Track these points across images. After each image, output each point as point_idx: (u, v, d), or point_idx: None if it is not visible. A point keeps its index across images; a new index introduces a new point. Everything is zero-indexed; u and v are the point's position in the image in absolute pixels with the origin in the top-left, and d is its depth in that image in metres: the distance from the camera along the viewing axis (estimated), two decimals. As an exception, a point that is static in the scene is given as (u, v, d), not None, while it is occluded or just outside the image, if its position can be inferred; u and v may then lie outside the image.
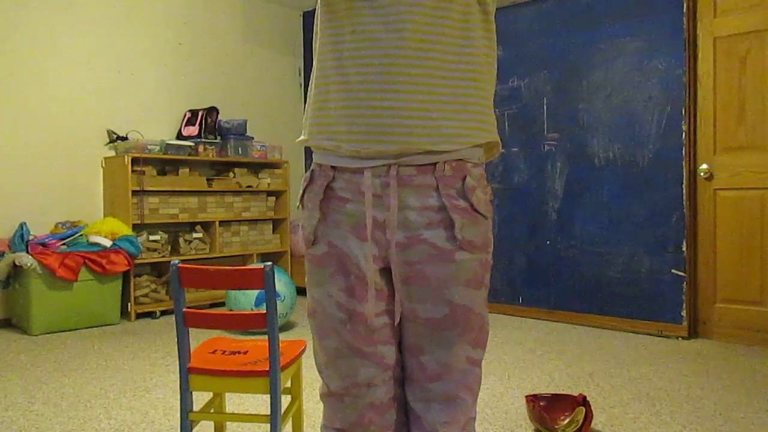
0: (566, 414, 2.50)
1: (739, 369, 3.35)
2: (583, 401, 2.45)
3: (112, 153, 4.83)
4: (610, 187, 4.36)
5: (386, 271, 1.16)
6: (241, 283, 1.94)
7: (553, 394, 2.59)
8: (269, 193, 5.59)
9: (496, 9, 5.30)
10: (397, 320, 1.16)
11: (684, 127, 4.04)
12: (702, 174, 4.03)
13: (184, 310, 1.90)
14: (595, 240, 4.43)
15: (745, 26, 3.86)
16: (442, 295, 1.13)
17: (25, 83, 4.44)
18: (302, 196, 1.22)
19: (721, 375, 3.25)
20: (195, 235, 5.03)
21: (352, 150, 1.11)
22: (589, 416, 2.41)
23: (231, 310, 4.09)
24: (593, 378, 3.20)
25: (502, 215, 4.89)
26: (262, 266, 1.84)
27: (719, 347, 3.83)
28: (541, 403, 2.54)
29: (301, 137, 1.22)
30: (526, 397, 2.55)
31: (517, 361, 3.53)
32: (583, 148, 4.48)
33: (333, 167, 1.16)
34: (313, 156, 1.21)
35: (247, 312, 1.92)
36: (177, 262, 1.88)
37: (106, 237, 4.35)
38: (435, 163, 1.11)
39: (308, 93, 1.21)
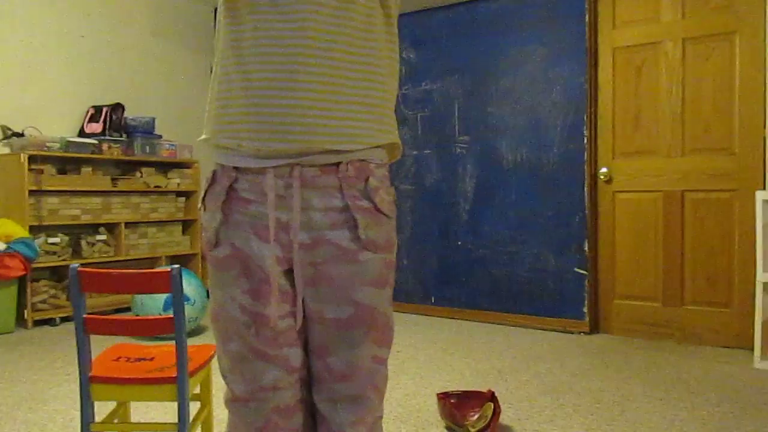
0: (476, 410, 2.57)
1: (635, 361, 3.55)
2: (492, 397, 2.52)
3: (7, 150, 4.54)
4: (517, 189, 4.51)
5: (291, 273, 1.15)
6: (147, 286, 1.87)
7: (463, 391, 2.65)
8: (179, 194, 5.42)
9: (410, 12, 5.31)
10: (299, 323, 1.15)
11: (585, 133, 4.24)
12: (602, 177, 4.25)
13: (84, 316, 1.82)
14: (504, 240, 4.57)
15: (641, 38, 4.10)
16: (347, 296, 1.13)
17: None
18: (204, 197, 1.19)
19: (620, 367, 3.43)
20: (98, 237, 4.81)
21: (253, 148, 1.09)
22: (497, 411, 2.48)
23: (137, 315, 3.94)
24: (502, 374, 3.31)
25: (415, 216, 4.97)
26: (169, 269, 1.79)
27: (618, 341, 4.05)
28: (452, 401, 2.60)
29: (203, 136, 1.19)
30: (438, 394, 2.61)
31: (429, 360, 3.59)
32: (493, 151, 4.62)
33: (236, 168, 1.14)
34: (215, 156, 1.19)
35: (152, 317, 1.86)
36: (76, 265, 1.80)
37: (-1, 240, 4.09)
38: (338, 164, 1.11)
39: (210, 91, 1.19)
